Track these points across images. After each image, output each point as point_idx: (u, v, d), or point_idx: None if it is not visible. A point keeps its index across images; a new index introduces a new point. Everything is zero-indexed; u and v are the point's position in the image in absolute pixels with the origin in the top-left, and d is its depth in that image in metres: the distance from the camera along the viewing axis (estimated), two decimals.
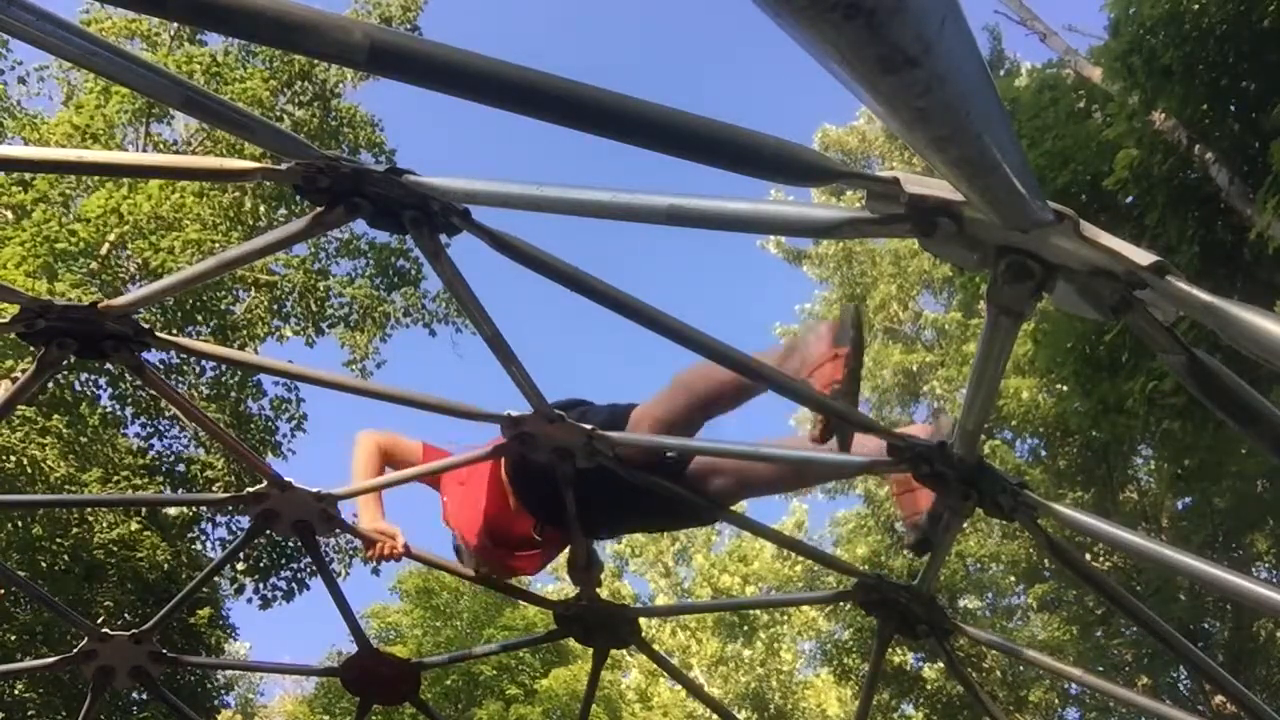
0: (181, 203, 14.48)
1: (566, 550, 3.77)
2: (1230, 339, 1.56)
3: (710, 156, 1.61)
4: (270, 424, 15.86)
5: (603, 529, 3.84)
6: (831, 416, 2.75)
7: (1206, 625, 15.90)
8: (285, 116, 16.28)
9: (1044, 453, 18.13)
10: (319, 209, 2.33)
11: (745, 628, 26.02)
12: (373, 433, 3.79)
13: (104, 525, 13.29)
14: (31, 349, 3.00)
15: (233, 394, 15.41)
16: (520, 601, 4.90)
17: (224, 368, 15.19)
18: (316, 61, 15.65)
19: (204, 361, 14.99)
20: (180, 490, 14.68)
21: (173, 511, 14.74)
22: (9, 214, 13.99)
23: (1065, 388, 12.65)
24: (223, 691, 17.17)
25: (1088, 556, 12.02)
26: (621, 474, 3.28)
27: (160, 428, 15.13)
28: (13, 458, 12.10)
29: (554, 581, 24.30)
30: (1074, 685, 17.15)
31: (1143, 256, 1.62)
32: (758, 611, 26.62)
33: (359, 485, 3.71)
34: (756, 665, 26.05)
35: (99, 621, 9.85)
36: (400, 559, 3.83)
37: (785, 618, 25.89)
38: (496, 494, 3.65)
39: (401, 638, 20.62)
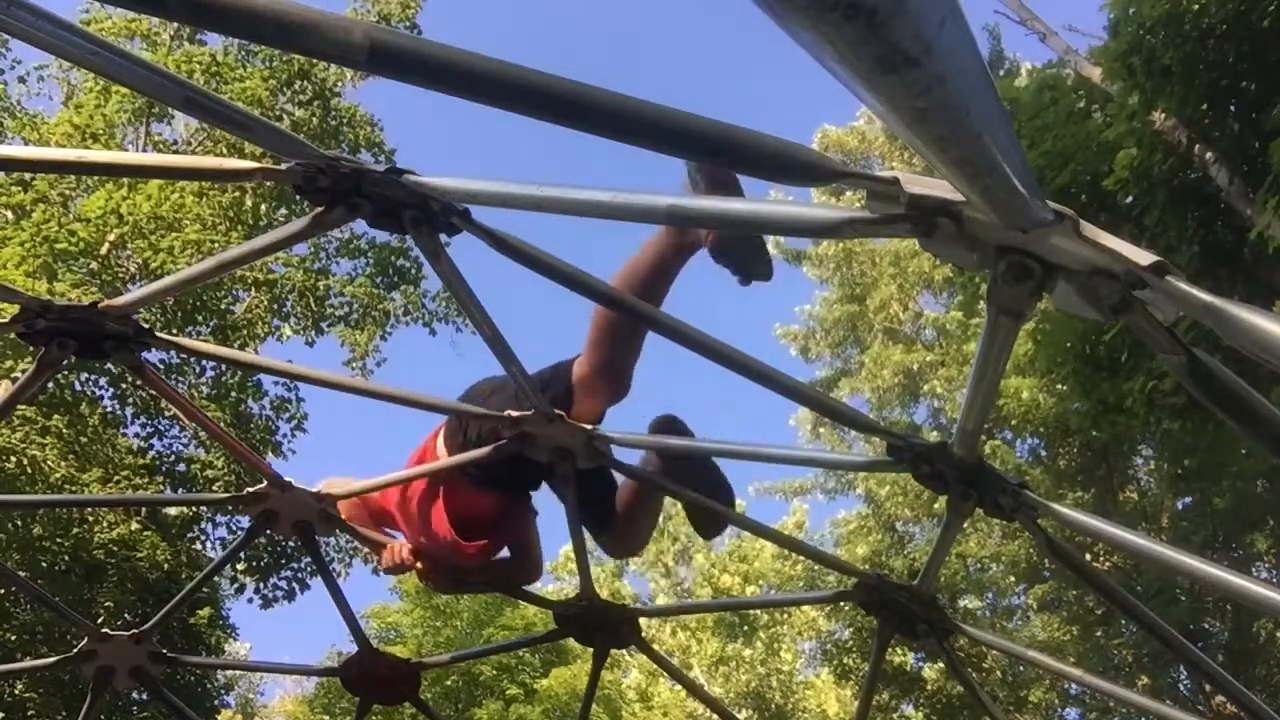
0: (181, 203, 14.48)
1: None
2: (1230, 339, 1.55)
3: (710, 156, 1.61)
4: (270, 424, 15.86)
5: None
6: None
7: (1206, 625, 15.89)
8: (285, 116, 16.28)
9: (1044, 453, 18.13)
10: (319, 209, 2.33)
11: (745, 628, 26.02)
12: (331, 487, 3.73)
13: (104, 525, 13.28)
14: (31, 349, 3.00)
15: (233, 394, 15.41)
16: (520, 601, 4.91)
17: (224, 368, 15.19)
18: (316, 61, 15.65)
19: (204, 361, 14.99)
20: (180, 490, 14.68)
21: (173, 511, 14.74)
22: (9, 214, 13.98)
23: (1065, 388, 12.65)
24: (223, 691, 17.16)
25: (1088, 556, 12.02)
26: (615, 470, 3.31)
27: (160, 428, 15.13)
28: (13, 458, 12.09)
29: (554, 582, 24.35)
30: (1074, 685, 17.15)
31: (1143, 256, 1.62)
32: (758, 611, 26.61)
33: (359, 486, 3.71)
34: (756, 665, 26.05)
35: (99, 621, 9.85)
36: (414, 567, 3.77)
37: (785, 617, 25.89)
38: (451, 487, 3.57)
39: (401, 638, 20.61)
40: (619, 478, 3.60)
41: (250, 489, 3.64)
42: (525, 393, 3.01)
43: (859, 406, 19.99)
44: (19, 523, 12.42)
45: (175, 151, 15.77)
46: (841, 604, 15.48)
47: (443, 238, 2.38)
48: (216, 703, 15.89)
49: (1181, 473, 13.46)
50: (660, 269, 3.11)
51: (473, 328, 2.77)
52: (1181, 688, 16.37)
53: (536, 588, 4.19)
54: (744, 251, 3.05)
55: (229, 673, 20.76)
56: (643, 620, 4.25)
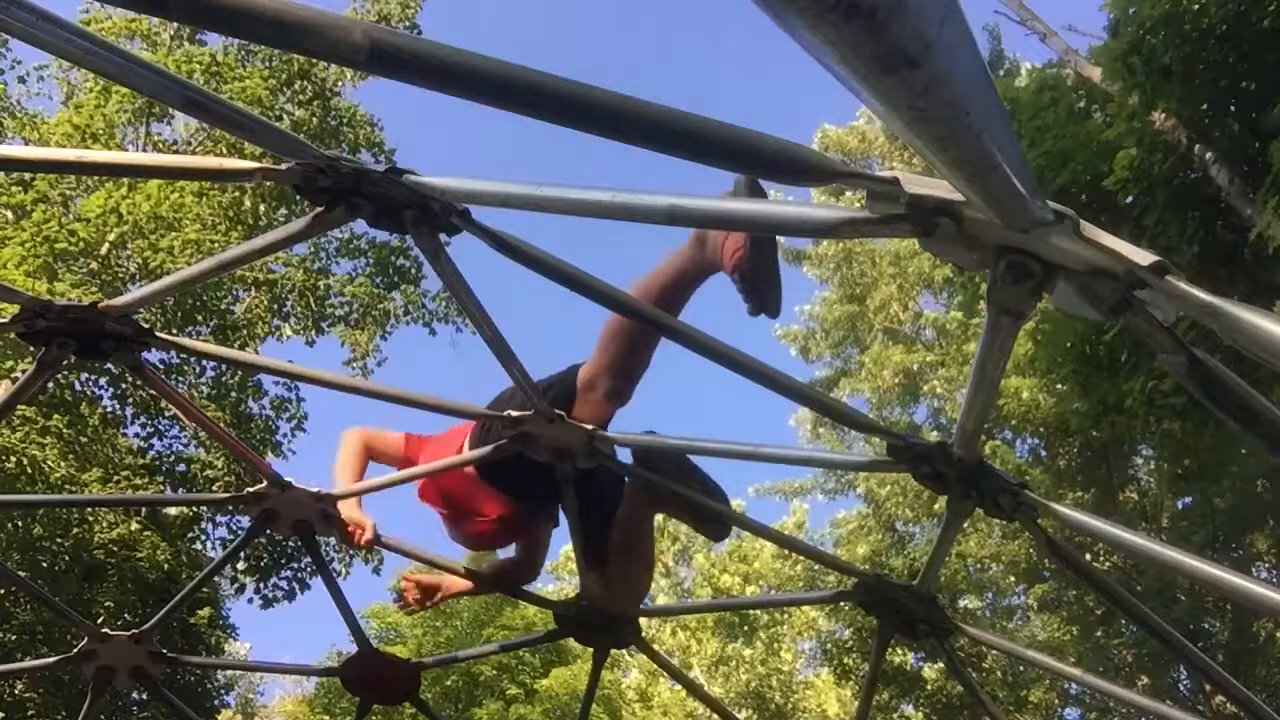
0: (181, 203, 14.48)
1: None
2: (1230, 339, 1.55)
3: (710, 156, 1.61)
4: (270, 424, 15.87)
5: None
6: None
7: (1206, 625, 15.89)
8: (285, 116, 16.28)
9: (1044, 453, 18.12)
10: (319, 209, 2.33)
11: (745, 628, 26.01)
12: (357, 431, 3.84)
13: (104, 525, 13.28)
14: (31, 349, 3.00)
15: (233, 394, 15.41)
16: (520, 601, 4.91)
17: (224, 368, 15.20)
18: (316, 61, 15.65)
19: (204, 361, 14.99)
20: (180, 490, 14.68)
21: (173, 511, 14.74)
22: (9, 214, 13.98)
23: (1065, 388, 12.65)
24: (223, 691, 17.16)
25: (1088, 556, 12.01)
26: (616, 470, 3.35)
27: (160, 428, 15.13)
28: (13, 458, 12.09)
29: (554, 582, 24.34)
30: (1074, 685, 17.15)
31: (1143, 256, 1.62)
32: (758, 611, 26.60)
33: (358, 486, 3.72)
34: (756, 665, 26.04)
35: (99, 621, 9.85)
36: (369, 547, 3.84)
37: (785, 617, 25.88)
38: (463, 477, 3.68)
39: (401, 638, 20.61)
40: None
41: (250, 489, 3.65)
42: (525, 393, 3.02)
43: (859, 406, 19.98)
44: (19, 523, 12.42)
45: (175, 151, 15.76)
46: (841, 604, 15.47)
47: (443, 238, 2.38)
48: (216, 703, 15.89)
49: (1181, 473, 13.44)
50: (680, 284, 3.18)
51: (473, 328, 2.77)
52: (1181, 688, 16.36)
53: (536, 587, 4.21)
54: (764, 285, 3.08)
55: (229, 673, 20.75)
56: (643, 620, 4.26)
